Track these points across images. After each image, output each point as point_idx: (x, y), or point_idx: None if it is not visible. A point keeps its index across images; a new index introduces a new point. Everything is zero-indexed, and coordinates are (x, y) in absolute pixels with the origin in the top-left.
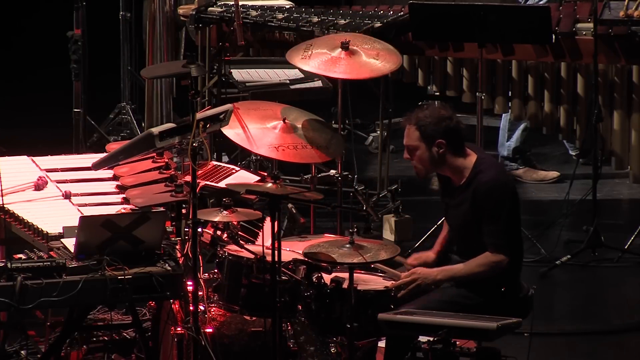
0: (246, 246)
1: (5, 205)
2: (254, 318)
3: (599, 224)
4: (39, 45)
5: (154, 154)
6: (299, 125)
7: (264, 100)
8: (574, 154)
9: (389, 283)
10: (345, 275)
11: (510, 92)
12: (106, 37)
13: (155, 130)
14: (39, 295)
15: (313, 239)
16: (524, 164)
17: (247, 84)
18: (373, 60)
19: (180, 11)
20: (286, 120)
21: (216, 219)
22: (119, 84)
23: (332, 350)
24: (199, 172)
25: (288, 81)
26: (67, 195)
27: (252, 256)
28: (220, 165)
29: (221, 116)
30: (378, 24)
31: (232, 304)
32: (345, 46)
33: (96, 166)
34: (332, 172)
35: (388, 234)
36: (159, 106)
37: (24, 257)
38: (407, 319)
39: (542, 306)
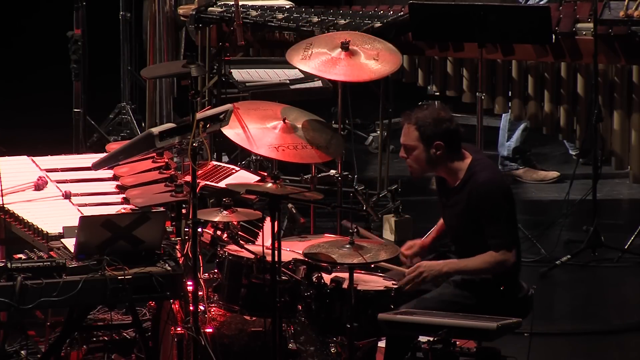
0: (246, 246)
1: (5, 205)
2: (254, 318)
3: (599, 224)
4: (39, 45)
5: (154, 154)
6: (299, 125)
7: (264, 100)
8: (574, 153)
9: (389, 283)
10: (345, 275)
11: (510, 92)
12: (106, 37)
13: (155, 130)
14: (39, 295)
15: (313, 239)
16: (524, 164)
17: (247, 84)
18: (373, 61)
19: (180, 11)
20: (286, 120)
21: (216, 219)
22: (119, 84)
23: (332, 350)
24: (199, 172)
25: (288, 81)
26: (67, 195)
27: (252, 256)
28: (220, 165)
29: (221, 116)
30: (378, 24)
31: (232, 304)
32: (345, 46)
33: (96, 166)
34: (332, 172)
35: (388, 234)
36: (159, 106)
37: (24, 257)
38: (407, 319)
39: (542, 306)
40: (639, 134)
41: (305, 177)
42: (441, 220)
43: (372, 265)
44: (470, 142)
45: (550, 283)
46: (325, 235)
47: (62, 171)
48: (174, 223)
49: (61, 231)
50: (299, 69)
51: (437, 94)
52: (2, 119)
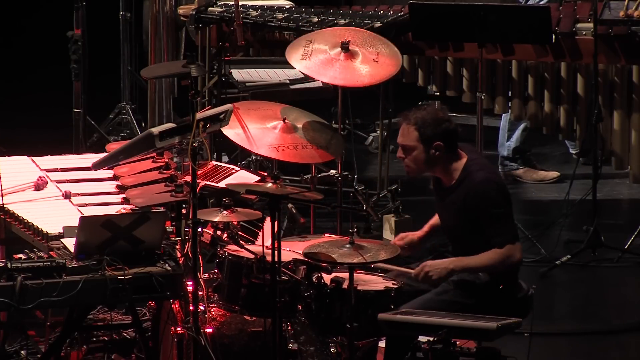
0: (246, 246)
1: (5, 205)
2: (254, 318)
3: (599, 224)
4: (39, 45)
5: (154, 154)
6: (299, 125)
7: (264, 100)
8: (574, 152)
9: (389, 283)
10: (345, 275)
11: (510, 92)
12: (106, 37)
13: (155, 130)
14: (39, 295)
15: (313, 239)
16: (524, 164)
17: (247, 84)
18: (370, 65)
19: (180, 11)
20: (286, 120)
21: (216, 219)
22: (119, 84)
23: (332, 350)
24: (199, 172)
25: (288, 81)
26: (67, 195)
27: (252, 256)
28: (220, 165)
29: (221, 116)
30: (378, 24)
31: (232, 304)
32: (345, 47)
33: (96, 166)
34: (332, 172)
35: (388, 234)
36: (159, 106)
37: (24, 257)
38: (407, 319)
39: (542, 306)
40: (639, 134)
41: (305, 177)
42: (436, 216)
43: (372, 266)
44: (470, 142)
45: (550, 283)
46: (325, 235)
47: (62, 171)
48: (174, 223)
49: (61, 231)
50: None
51: (437, 94)
52: (2, 119)
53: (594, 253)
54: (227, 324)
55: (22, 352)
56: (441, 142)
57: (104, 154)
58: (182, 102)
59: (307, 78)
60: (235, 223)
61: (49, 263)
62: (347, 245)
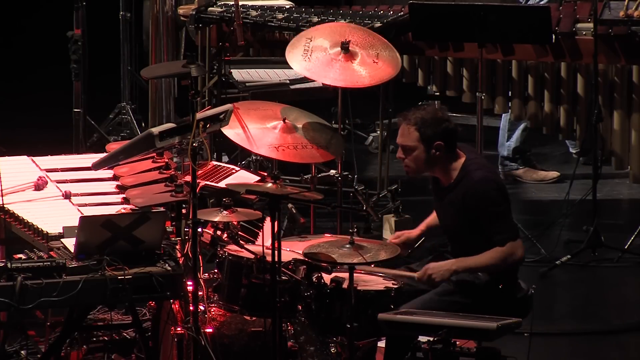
0: (246, 246)
1: (5, 205)
2: (254, 318)
3: (599, 224)
4: (39, 45)
5: (154, 154)
6: (299, 125)
7: (264, 100)
8: (574, 151)
9: (389, 283)
10: (345, 275)
11: (510, 92)
12: (106, 37)
13: (155, 130)
14: (39, 295)
15: (313, 239)
16: (524, 164)
17: (247, 84)
18: (370, 67)
19: (180, 11)
20: (286, 120)
21: (216, 219)
22: (119, 84)
23: (332, 350)
24: (199, 172)
25: (288, 81)
26: (67, 195)
27: (252, 256)
28: (220, 165)
29: (221, 116)
30: (378, 24)
31: (232, 304)
32: (345, 47)
33: (96, 166)
34: (332, 172)
35: (388, 234)
36: (158, 106)
37: (24, 257)
38: (407, 319)
39: (542, 306)
40: (639, 134)
41: (305, 177)
42: (432, 214)
43: (373, 266)
44: (470, 142)
45: (550, 283)
46: (325, 235)
47: (62, 171)
48: (174, 223)
49: (61, 231)
50: None
51: (437, 94)
52: (2, 119)
53: (594, 253)
54: (227, 324)
55: (22, 352)
56: (442, 142)
57: (104, 154)
58: (182, 102)
59: (307, 78)
60: (235, 223)
61: (49, 263)
62: (347, 245)
